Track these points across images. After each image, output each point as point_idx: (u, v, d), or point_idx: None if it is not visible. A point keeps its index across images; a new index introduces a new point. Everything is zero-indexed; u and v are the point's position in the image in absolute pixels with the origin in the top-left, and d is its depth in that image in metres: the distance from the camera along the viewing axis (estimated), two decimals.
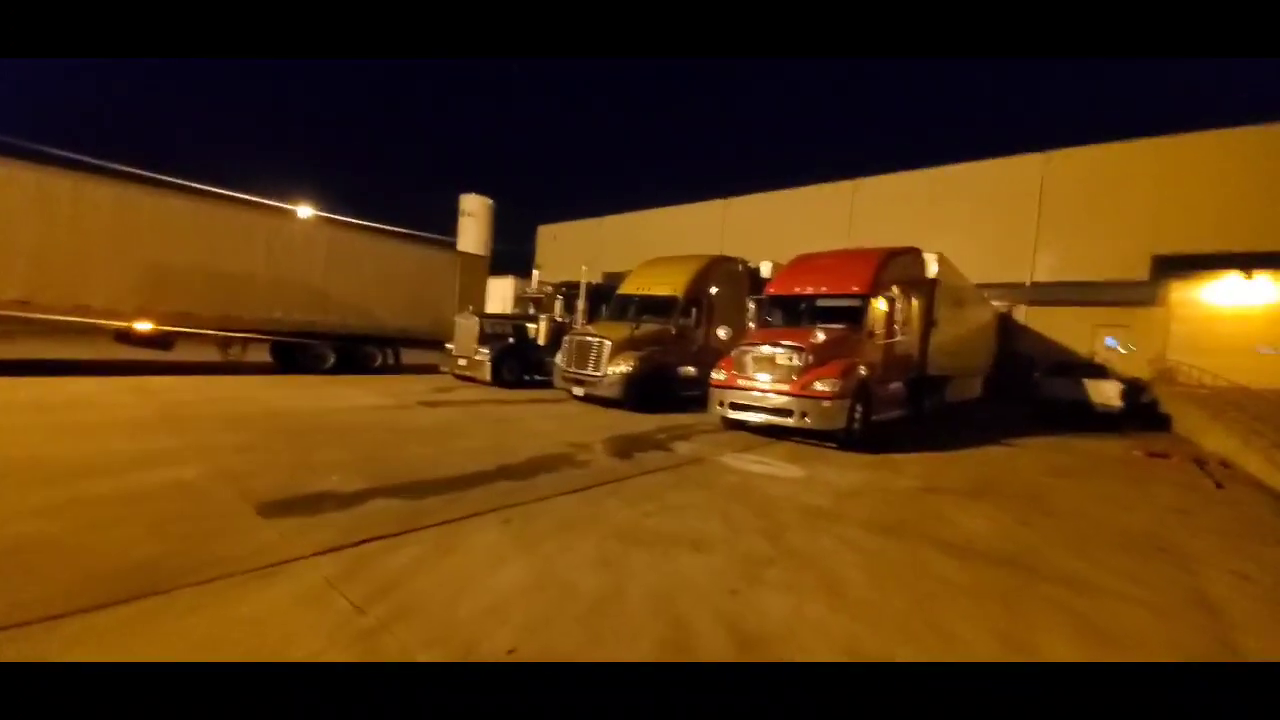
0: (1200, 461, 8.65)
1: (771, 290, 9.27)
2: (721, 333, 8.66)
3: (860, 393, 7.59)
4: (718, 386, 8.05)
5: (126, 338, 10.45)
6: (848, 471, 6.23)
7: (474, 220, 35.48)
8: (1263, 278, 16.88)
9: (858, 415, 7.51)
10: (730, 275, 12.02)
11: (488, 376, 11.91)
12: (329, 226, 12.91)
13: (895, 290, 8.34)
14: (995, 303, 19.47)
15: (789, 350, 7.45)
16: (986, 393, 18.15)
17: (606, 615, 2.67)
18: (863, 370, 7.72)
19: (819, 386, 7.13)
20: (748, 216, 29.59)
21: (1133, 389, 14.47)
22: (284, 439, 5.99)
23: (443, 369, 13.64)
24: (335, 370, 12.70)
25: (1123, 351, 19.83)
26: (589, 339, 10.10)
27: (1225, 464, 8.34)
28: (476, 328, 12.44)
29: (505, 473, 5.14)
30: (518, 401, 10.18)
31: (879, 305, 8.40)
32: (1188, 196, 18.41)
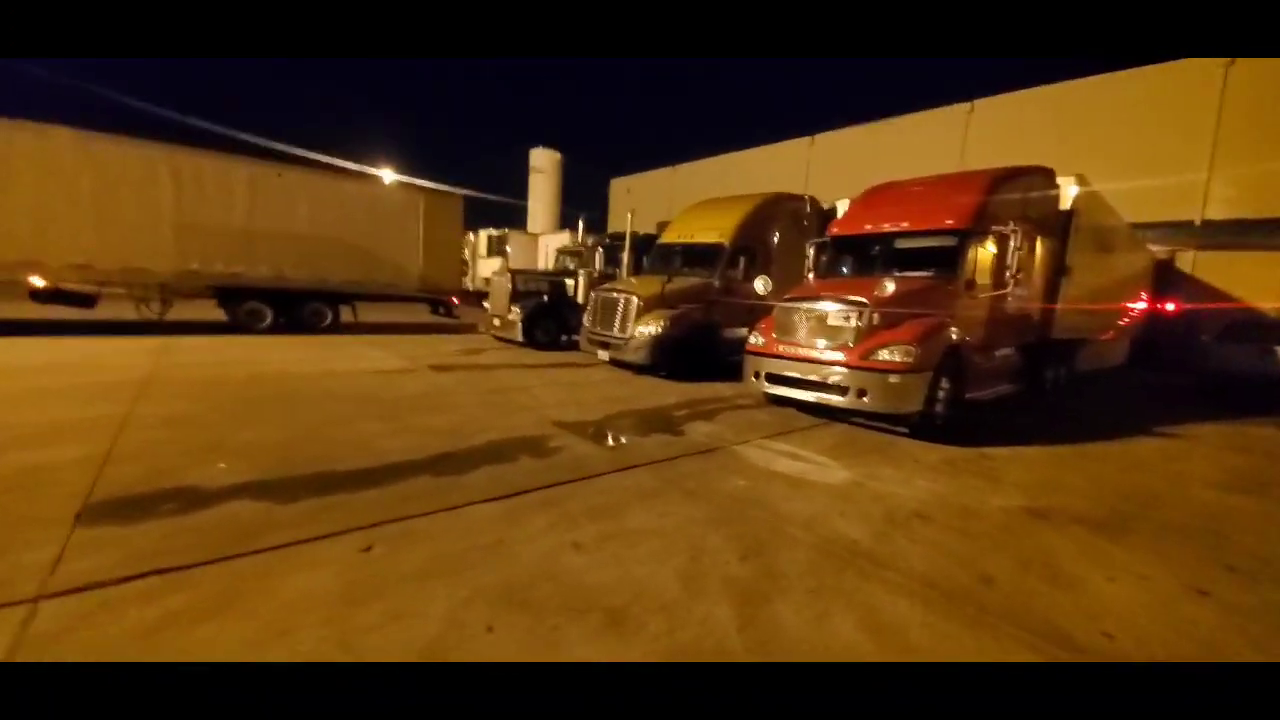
0: None
1: (835, 230, 7.29)
2: (759, 285, 6.91)
3: (948, 363, 5.66)
4: (754, 353, 6.40)
5: (43, 296, 9.93)
6: (916, 475, 4.49)
7: (544, 177, 34.61)
8: None
9: (942, 393, 5.61)
10: (794, 217, 10.01)
11: (519, 337, 10.98)
12: (247, 164, 11.28)
13: (1011, 225, 6.10)
14: (1153, 246, 15.48)
15: (845, 307, 5.63)
16: (1133, 359, 14.65)
17: None
18: (953, 333, 5.74)
19: (884, 356, 5.29)
20: (837, 154, 26.13)
21: None
22: (232, 409, 5.31)
23: (480, 329, 12.92)
24: (275, 330, 11.43)
25: None
26: (614, 295, 8.73)
27: None
28: (509, 285, 11.48)
29: (440, 464, 4.03)
30: (540, 366, 9.14)
31: (985, 246, 6.23)
32: None
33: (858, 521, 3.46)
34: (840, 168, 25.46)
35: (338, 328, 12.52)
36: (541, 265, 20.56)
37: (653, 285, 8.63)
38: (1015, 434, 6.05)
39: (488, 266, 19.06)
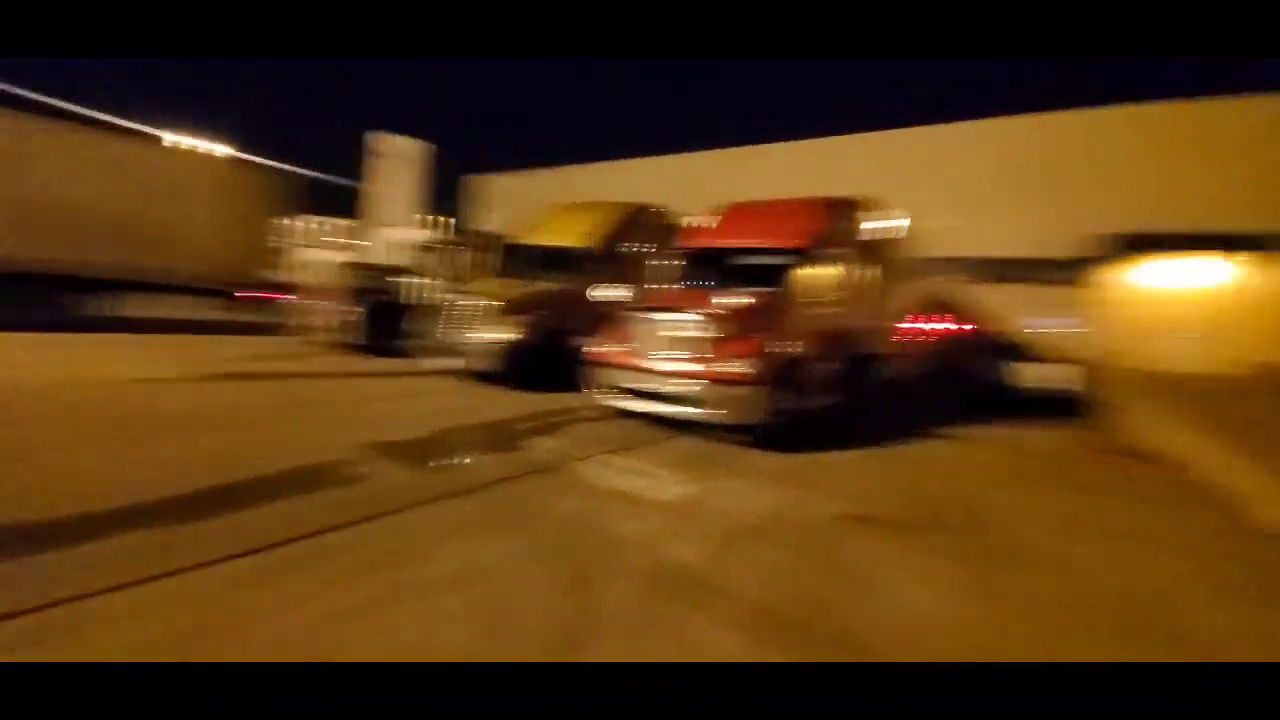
0: (1149, 459, 7.42)
1: (689, 242, 7.36)
2: (610, 293, 6.68)
3: (787, 375, 5.85)
4: (601, 364, 6.13)
5: None
6: (756, 487, 4.47)
7: (398, 164, 31.85)
8: (1199, 259, 16.19)
9: (782, 404, 5.78)
10: (654, 228, 10.01)
11: (352, 340, 9.62)
12: None
13: (844, 249, 6.55)
14: (942, 277, 18.29)
15: (692, 317, 5.59)
16: (932, 372, 17.08)
17: None
18: (792, 347, 5.97)
19: (731, 368, 5.31)
20: (701, 174, 27.36)
21: (1073, 372, 13.51)
22: None
23: (297, 330, 11.11)
24: None
25: (1057, 332, 19.09)
26: (463, 297, 7.96)
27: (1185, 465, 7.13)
28: (342, 280, 10.06)
29: (186, 506, 3.10)
30: (371, 374, 8.04)
31: (821, 266, 6.62)
32: (1134, 170, 17.42)
33: (695, 543, 3.26)
34: (704, 187, 26.58)
35: (94, 323, 9.86)
36: (386, 260, 18.62)
37: (506, 289, 8.02)
38: (843, 441, 6.43)
39: (316, 258, 16.71)
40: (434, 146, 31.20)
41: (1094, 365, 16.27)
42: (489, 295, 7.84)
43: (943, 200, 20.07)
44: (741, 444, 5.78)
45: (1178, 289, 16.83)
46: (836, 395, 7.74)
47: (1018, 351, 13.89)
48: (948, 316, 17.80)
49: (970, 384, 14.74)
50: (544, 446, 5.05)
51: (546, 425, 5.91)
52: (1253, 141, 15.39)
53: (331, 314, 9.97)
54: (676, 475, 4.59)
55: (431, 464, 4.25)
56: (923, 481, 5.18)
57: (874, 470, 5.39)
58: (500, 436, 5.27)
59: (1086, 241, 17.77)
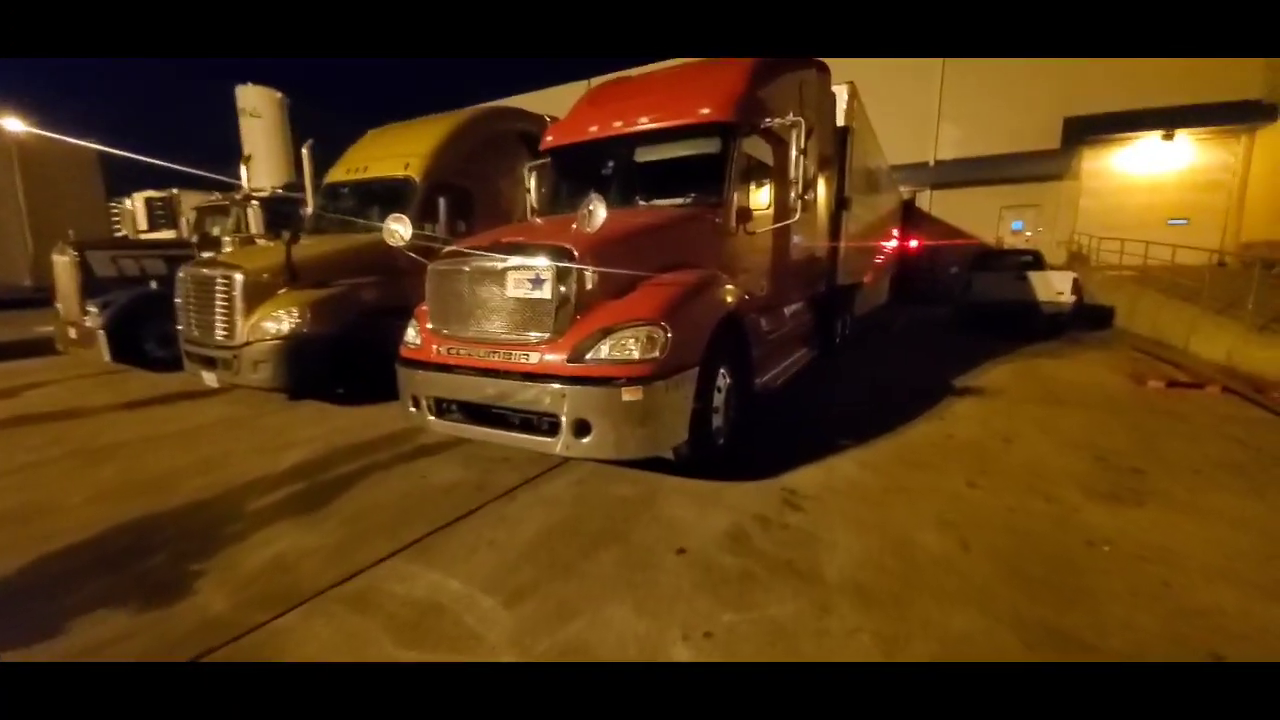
0: (1240, 392, 5.51)
1: (552, 139, 4.64)
2: (395, 234, 3.75)
3: (722, 347, 3.37)
4: (408, 362, 3.49)
5: None
6: (671, 616, 2.07)
7: (260, 123, 26.52)
8: (1183, 137, 14.52)
9: (720, 394, 3.36)
10: (525, 142, 7.16)
11: (103, 354, 6.52)
12: None
13: (792, 116, 3.99)
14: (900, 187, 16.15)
15: (534, 261, 2.99)
16: (893, 295, 15.13)
17: None
18: (728, 293, 3.49)
19: (606, 352, 2.80)
20: None
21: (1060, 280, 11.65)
22: None
23: (60, 346, 7.84)
24: None
25: (1029, 234, 17.49)
26: (208, 272, 5.00)
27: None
28: (75, 270, 6.82)
29: None
30: (104, 409, 5.12)
31: (759, 152, 4.10)
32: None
33: None
34: None
35: None
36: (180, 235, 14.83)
37: (272, 251, 5.13)
38: (818, 434, 4.11)
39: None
40: (281, 96, 25.87)
41: (1068, 264, 14.43)
42: (240, 264, 4.89)
43: (880, 102, 17.47)
44: (666, 461, 3.37)
45: (1149, 175, 15.30)
46: (805, 351, 5.40)
47: (1005, 261, 11.93)
48: (902, 232, 15.69)
49: (942, 302, 12.91)
50: (257, 562, 2.47)
51: (324, 485, 3.31)
52: None
53: (73, 319, 6.78)
54: (506, 607, 2.11)
55: None
56: (967, 507, 2.91)
57: (883, 496, 3.08)
58: (188, 541, 2.66)
59: (1052, 130, 15.93)
